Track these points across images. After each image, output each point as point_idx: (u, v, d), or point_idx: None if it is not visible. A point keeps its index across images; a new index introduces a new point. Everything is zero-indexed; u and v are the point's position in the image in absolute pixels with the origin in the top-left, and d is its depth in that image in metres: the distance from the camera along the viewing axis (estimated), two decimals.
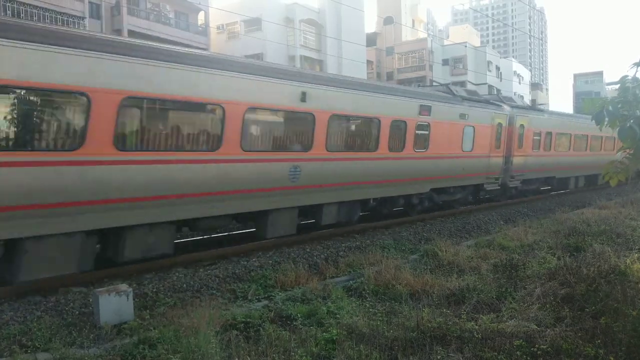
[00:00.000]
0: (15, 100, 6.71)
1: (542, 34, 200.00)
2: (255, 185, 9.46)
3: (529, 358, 4.64)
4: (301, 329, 5.67)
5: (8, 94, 6.61)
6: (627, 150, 5.67)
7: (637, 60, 5.38)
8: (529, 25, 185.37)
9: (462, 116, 15.27)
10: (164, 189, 8.10)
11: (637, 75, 5.46)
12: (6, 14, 22.81)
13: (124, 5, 31.79)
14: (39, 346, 5.29)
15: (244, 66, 9.36)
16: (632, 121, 5.24)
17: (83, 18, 28.46)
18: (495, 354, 4.74)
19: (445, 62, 58.98)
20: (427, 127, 13.78)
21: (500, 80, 64.04)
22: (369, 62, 52.56)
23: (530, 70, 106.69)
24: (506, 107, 18.03)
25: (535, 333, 5.20)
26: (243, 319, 5.86)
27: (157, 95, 7.97)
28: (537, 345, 4.79)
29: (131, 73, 7.55)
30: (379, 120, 12.17)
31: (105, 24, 31.21)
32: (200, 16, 39.25)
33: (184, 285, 7.80)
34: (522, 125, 18.60)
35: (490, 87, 58.79)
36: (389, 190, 12.97)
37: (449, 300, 6.63)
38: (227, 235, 11.58)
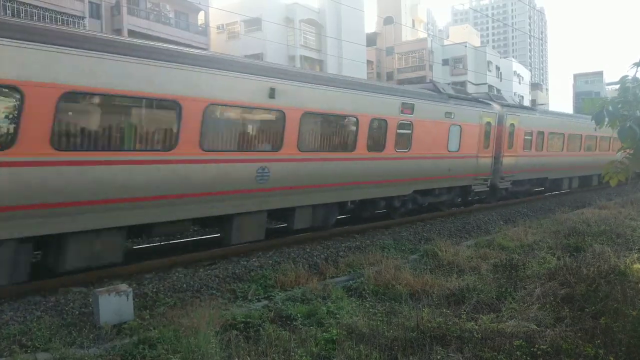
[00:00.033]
0: None
1: (542, 34, 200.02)
2: (217, 188, 8.87)
3: (528, 358, 4.64)
4: (301, 329, 5.67)
5: None
6: (627, 151, 5.67)
7: (637, 60, 5.39)
8: (529, 25, 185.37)
9: (448, 115, 14.70)
10: (109, 193, 7.44)
11: (637, 75, 5.46)
12: (6, 14, 22.81)
13: (124, 5, 31.78)
14: (38, 346, 5.29)
15: (205, 59, 8.79)
16: (632, 121, 5.24)
17: (83, 18, 28.47)
18: (495, 354, 4.74)
19: (445, 62, 58.99)
20: (409, 126, 13.22)
21: (500, 81, 64.05)
22: (369, 62, 52.58)
23: (530, 70, 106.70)
24: (495, 106, 17.53)
25: (535, 333, 5.20)
26: (243, 319, 5.86)
27: (102, 90, 7.33)
28: (537, 345, 4.79)
29: (71, 65, 6.93)
30: (357, 119, 11.61)
31: (105, 23, 31.21)
32: (200, 16, 39.26)
33: (184, 285, 7.80)
34: (512, 125, 18.11)
35: (490, 87, 58.81)
36: (368, 192, 12.41)
37: (449, 300, 6.63)
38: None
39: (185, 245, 10.69)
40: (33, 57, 6.61)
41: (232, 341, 5.08)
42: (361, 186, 12.04)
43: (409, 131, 13.24)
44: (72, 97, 7.14)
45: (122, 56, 7.46)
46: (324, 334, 5.37)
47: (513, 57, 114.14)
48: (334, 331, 5.36)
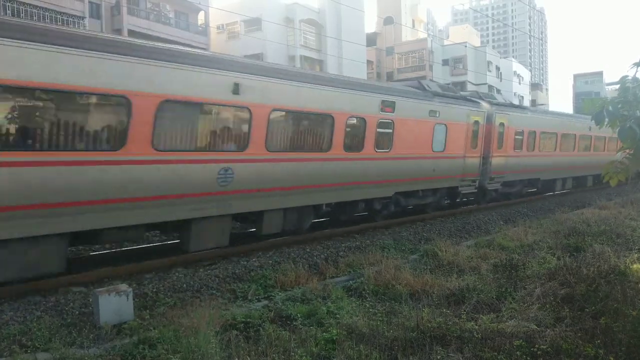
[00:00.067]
0: None
1: (542, 34, 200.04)
2: (173, 191, 8.27)
3: (528, 358, 4.64)
4: (301, 329, 5.67)
5: None
6: (627, 151, 5.67)
7: (637, 60, 5.39)
8: (529, 25, 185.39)
9: (433, 113, 14.07)
10: (45, 196, 6.87)
11: (637, 75, 5.46)
12: (6, 14, 22.81)
13: (124, 5, 31.79)
14: (38, 346, 5.29)
15: (158, 52, 8.10)
16: (632, 121, 5.24)
17: (83, 18, 28.47)
18: (495, 354, 4.74)
19: (445, 62, 58.99)
20: (390, 125, 12.61)
21: (500, 81, 64.06)
22: (369, 62, 52.58)
23: (530, 71, 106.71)
24: (484, 104, 16.94)
25: (535, 333, 5.20)
26: (243, 319, 5.86)
27: (39, 84, 6.73)
28: (537, 345, 4.79)
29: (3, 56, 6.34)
30: (333, 117, 11.00)
31: (105, 23, 31.22)
32: (200, 16, 39.27)
33: (184, 285, 7.80)
34: (502, 124, 17.52)
35: (490, 87, 58.85)
36: (345, 195, 11.78)
37: (449, 300, 6.63)
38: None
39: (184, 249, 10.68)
40: None
41: (232, 341, 5.08)
42: (338, 188, 11.43)
43: (390, 130, 12.66)
44: (5, 92, 6.60)
45: (61, 47, 6.84)
46: (324, 334, 5.37)
47: (513, 57, 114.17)
48: (334, 331, 5.36)
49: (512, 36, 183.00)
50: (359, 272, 8.20)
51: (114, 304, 5.99)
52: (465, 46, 60.03)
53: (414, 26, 62.55)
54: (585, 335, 5.09)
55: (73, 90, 7.09)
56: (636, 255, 8.83)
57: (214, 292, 7.62)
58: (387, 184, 12.87)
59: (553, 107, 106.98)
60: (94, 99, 7.56)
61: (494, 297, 6.67)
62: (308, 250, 10.35)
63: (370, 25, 69.45)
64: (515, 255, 9.13)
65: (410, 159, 13.41)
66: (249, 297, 7.30)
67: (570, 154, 22.51)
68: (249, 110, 9.31)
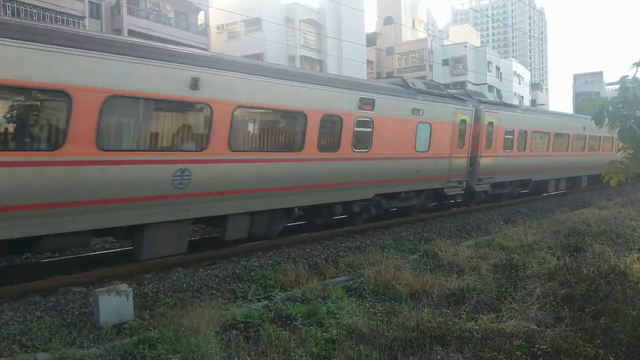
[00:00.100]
0: None
1: (542, 34, 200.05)
2: (121, 194, 7.64)
3: (528, 358, 4.64)
4: (301, 329, 5.67)
5: None
6: (627, 151, 5.67)
7: (637, 60, 5.39)
8: (529, 25, 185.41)
9: (416, 111, 13.45)
10: None
11: (637, 75, 5.46)
12: (6, 14, 22.82)
13: (124, 5, 31.79)
14: (38, 346, 5.29)
15: (104, 43, 7.46)
16: (632, 121, 5.24)
17: (83, 18, 28.48)
18: (495, 354, 4.74)
19: (445, 62, 58.99)
20: (369, 123, 12.00)
21: (500, 81, 64.05)
22: (369, 62, 52.59)
23: (530, 71, 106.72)
24: (472, 103, 16.29)
25: (535, 333, 5.21)
26: (243, 319, 5.86)
27: None
28: (537, 345, 4.79)
29: None
30: (305, 115, 10.35)
31: (105, 23, 31.22)
32: (200, 16, 39.28)
33: (184, 285, 7.80)
34: (491, 123, 16.91)
35: (490, 87, 58.83)
36: (320, 197, 11.12)
37: (449, 300, 6.63)
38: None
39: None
40: None
41: (232, 341, 5.08)
42: (312, 190, 10.77)
43: (369, 129, 12.05)
44: None
45: None
46: (324, 334, 5.37)
47: (513, 57, 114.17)
48: (334, 331, 5.36)
49: (512, 36, 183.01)
50: (359, 272, 8.20)
51: (114, 304, 5.99)
52: (465, 46, 60.03)
53: (414, 26, 62.56)
54: (585, 335, 5.09)
55: (1, 84, 6.52)
56: (636, 255, 8.82)
57: (214, 292, 7.62)
58: (367, 185, 12.29)
59: (553, 107, 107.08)
60: (28, 94, 6.91)
61: (494, 297, 6.67)
62: (308, 250, 10.35)
63: (370, 25, 69.58)
64: (515, 255, 9.13)
65: (391, 159, 12.79)
66: (249, 297, 7.30)
67: (564, 154, 22.01)
68: (210, 107, 8.67)
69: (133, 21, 32.51)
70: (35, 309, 6.52)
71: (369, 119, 12.01)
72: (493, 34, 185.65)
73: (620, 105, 5.47)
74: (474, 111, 15.97)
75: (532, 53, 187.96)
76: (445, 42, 67.47)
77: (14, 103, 6.96)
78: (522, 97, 71.80)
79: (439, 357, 4.76)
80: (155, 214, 8.21)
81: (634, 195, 20.24)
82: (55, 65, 6.81)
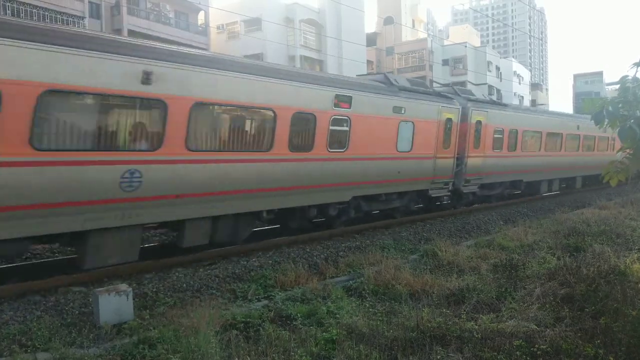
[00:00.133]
0: None
1: (542, 34, 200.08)
2: (62, 198, 7.03)
3: (528, 358, 4.64)
4: (301, 328, 5.67)
5: None
6: (627, 151, 5.67)
7: (637, 60, 5.39)
8: (529, 25, 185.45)
9: (397, 110, 12.80)
10: None
11: (637, 75, 5.46)
12: (6, 14, 22.82)
13: (124, 5, 31.80)
14: (38, 346, 5.29)
15: (39, 32, 6.84)
16: (632, 121, 5.24)
17: (83, 18, 28.50)
18: (495, 354, 4.74)
19: (445, 62, 59.00)
20: (346, 122, 11.39)
21: (500, 81, 64.06)
22: (369, 62, 52.59)
23: (530, 71, 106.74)
24: (459, 101, 15.66)
25: (535, 333, 5.21)
26: (243, 319, 5.86)
27: None
28: (536, 345, 4.79)
29: None
30: (275, 112, 9.75)
31: (105, 23, 31.23)
32: (200, 16, 39.30)
33: (184, 285, 7.81)
34: (479, 122, 16.27)
35: (490, 87, 58.85)
36: (292, 200, 10.49)
37: (449, 300, 6.63)
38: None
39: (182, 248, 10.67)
40: None
41: (232, 341, 5.08)
42: (283, 192, 10.15)
43: (346, 128, 11.42)
44: None
45: None
46: (324, 333, 5.37)
47: (513, 57, 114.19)
48: (334, 331, 5.36)
49: (512, 36, 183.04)
50: (359, 272, 8.20)
51: (114, 303, 5.99)
52: (465, 46, 60.03)
53: (414, 26, 62.57)
54: (585, 335, 5.09)
55: None
56: (636, 255, 8.83)
57: (214, 292, 7.62)
58: (344, 187, 11.64)
59: (553, 107, 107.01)
60: None
61: (494, 297, 6.67)
62: (308, 250, 10.35)
63: (370, 25, 69.50)
64: (515, 255, 9.13)
65: (370, 159, 12.17)
66: (249, 297, 7.30)
67: (557, 154, 21.43)
68: (164, 103, 8.01)
69: (133, 21, 32.52)
70: (35, 308, 6.52)
71: (346, 117, 11.41)
72: (493, 34, 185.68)
73: (620, 105, 5.47)
74: (460, 109, 15.37)
75: (532, 53, 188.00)
76: (445, 42, 67.49)
77: None
78: (522, 97, 71.81)
79: (438, 357, 4.76)
80: (100, 220, 7.56)
81: (634, 195, 20.25)
82: None
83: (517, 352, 4.70)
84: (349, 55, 44.45)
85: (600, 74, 79.55)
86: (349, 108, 11.42)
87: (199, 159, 8.66)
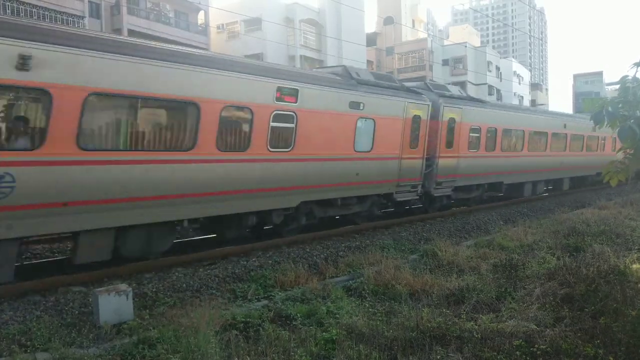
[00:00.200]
0: None
1: (542, 34, 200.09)
2: None
3: (528, 358, 4.64)
4: (301, 328, 5.67)
5: None
6: (627, 151, 5.67)
7: (637, 60, 5.39)
8: (529, 25, 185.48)
9: (355, 105, 11.64)
10: None
11: (637, 75, 5.46)
12: (5, 13, 22.82)
13: (124, 4, 31.80)
14: (38, 346, 5.29)
15: None
16: (632, 121, 5.24)
17: (83, 17, 28.50)
18: (495, 354, 4.74)
19: (445, 62, 58.98)
20: (291, 118, 10.18)
21: (500, 81, 64.07)
22: (369, 62, 52.60)
23: (530, 71, 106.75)
24: (429, 96, 14.47)
25: (534, 333, 5.21)
26: (243, 319, 5.86)
27: None
28: (536, 345, 4.80)
29: None
30: (198, 106, 8.52)
31: (105, 23, 31.24)
32: (200, 16, 39.32)
33: (184, 285, 7.80)
34: (452, 119, 15.11)
35: (490, 87, 58.85)
36: (223, 207, 9.28)
37: (449, 300, 6.63)
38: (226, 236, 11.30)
39: (185, 245, 10.68)
40: None
41: (232, 341, 5.08)
42: (210, 199, 8.94)
43: (292, 125, 10.23)
44: None
45: None
46: (324, 333, 5.37)
47: (513, 57, 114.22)
48: (334, 331, 5.36)
49: (512, 36, 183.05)
50: (359, 272, 8.20)
51: (114, 303, 5.99)
52: (465, 46, 60.01)
53: (414, 26, 62.56)
54: (585, 335, 5.10)
55: None
56: (636, 255, 8.84)
57: (214, 291, 7.62)
58: (289, 191, 10.42)
59: (553, 107, 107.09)
60: None
61: (494, 297, 6.68)
62: (308, 250, 10.35)
63: (370, 25, 69.55)
64: (515, 255, 9.13)
65: (321, 160, 10.96)
66: (249, 297, 7.30)
67: (541, 154, 20.27)
68: (48, 93, 6.82)
69: (133, 21, 32.52)
70: (35, 308, 6.52)
71: (292, 113, 10.19)
72: (493, 34, 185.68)
73: (620, 106, 5.47)
74: (430, 106, 14.17)
75: (532, 53, 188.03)
76: (445, 42, 67.48)
77: None
78: (522, 97, 71.80)
79: (438, 357, 4.76)
80: None
81: (633, 195, 20.27)
82: None
83: (517, 352, 4.70)
84: (349, 55, 44.42)
85: (600, 74, 79.57)
86: (295, 102, 10.23)
87: (95, 160, 7.43)
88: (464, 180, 16.20)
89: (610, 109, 5.43)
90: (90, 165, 7.37)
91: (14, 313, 6.33)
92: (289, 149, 10.28)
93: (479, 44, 71.92)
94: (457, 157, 15.53)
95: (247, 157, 9.50)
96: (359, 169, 11.99)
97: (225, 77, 8.96)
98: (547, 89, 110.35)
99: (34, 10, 25.45)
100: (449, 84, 20.90)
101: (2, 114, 6.85)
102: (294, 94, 10.20)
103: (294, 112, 10.25)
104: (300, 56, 42.47)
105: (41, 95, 6.88)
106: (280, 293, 7.35)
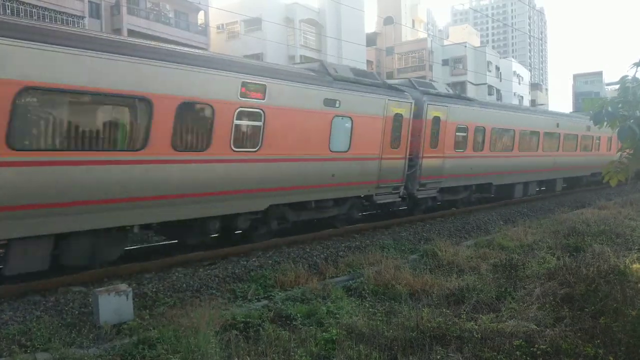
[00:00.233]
0: None
1: (542, 34, 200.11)
2: None
3: (528, 358, 4.64)
4: (301, 328, 5.67)
5: None
6: (627, 151, 5.67)
7: (637, 60, 5.39)
8: (529, 25, 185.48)
9: (330, 102, 11.04)
10: None
11: (637, 75, 5.46)
12: (5, 13, 22.81)
13: (124, 4, 31.80)
14: (38, 346, 5.29)
15: None
16: (631, 121, 5.24)
17: (83, 17, 28.49)
18: (495, 354, 4.74)
19: (445, 62, 59.00)
20: (258, 115, 9.58)
21: (500, 81, 64.10)
22: (369, 62, 52.59)
23: (530, 71, 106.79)
24: (412, 94, 13.90)
25: (534, 333, 5.21)
26: (243, 319, 5.86)
27: None
28: (536, 345, 4.80)
29: None
30: (150, 102, 7.92)
31: (105, 23, 31.22)
32: (200, 16, 39.30)
33: (184, 285, 7.80)
34: (436, 118, 14.56)
35: (490, 87, 58.86)
36: (180, 211, 8.64)
37: (449, 300, 6.63)
38: (226, 236, 11.32)
39: (184, 245, 10.67)
40: None
41: (232, 341, 5.08)
42: (164, 202, 8.36)
43: (259, 123, 9.63)
44: None
45: None
46: (324, 333, 5.37)
47: (513, 57, 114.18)
48: (334, 331, 5.36)
49: (512, 36, 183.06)
50: (359, 272, 8.20)
51: (114, 303, 5.99)
52: (465, 46, 60.04)
53: (414, 26, 62.57)
54: (585, 335, 5.10)
55: None
56: (636, 255, 8.84)
57: (214, 292, 7.62)
58: (257, 194, 9.82)
59: (553, 107, 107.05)
60: None
61: (494, 297, 6.68)
62: (308, 250, 10.35)
63: (370, 25, 69.59)
64: (515, 255, 9.13)
65: (292, 160, 10.37)
66: (249, 297, 7.30)
67: (533, 154, 19.65)
68: None
69: (133, 21, 32.51)
70: (35, 308, 6.52)
71: (258, 110, 9.59)
72: (493, 34, 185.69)
73: (620, 105, 5.47)
74: (412, 104, 13.59)
75: (532, 53, 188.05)
76: (445, 42, 67.50)
77: None
78: (522, 97, 71.82)
79: (438, 357, 4.76)
80: None
81: (633, 195, 20.28)
82: None
83: (517, 352, 4.70)
84: (349, 55, 44.41)
85: (600, 74, 79.66)
86: (263, 99, 9.62)
87: (26, 161, 6.83)
88: (450, 181, 15.65)
89: (610, 108, 5.44)
90: (21, 166, 6.77)
91: (14, 313, 6.34)
92: (256, 149, 9.68)
93: (478, 44, 71.94)
94: (442, 158, 15.01)
95: (207, 158, 8.89)
96: (335, 170, 11.41)
97: (182, 71, 8.36)
98: (547, 89, 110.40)
99: (33, 10, 25.44)
100: (448, 84, 20.72)
101: None
102: (261, 90, 9.59)
103: (261, 109, 9.64)
104: (300, 56, 42.42)
105: None
106: (280, 293, 7.35)
